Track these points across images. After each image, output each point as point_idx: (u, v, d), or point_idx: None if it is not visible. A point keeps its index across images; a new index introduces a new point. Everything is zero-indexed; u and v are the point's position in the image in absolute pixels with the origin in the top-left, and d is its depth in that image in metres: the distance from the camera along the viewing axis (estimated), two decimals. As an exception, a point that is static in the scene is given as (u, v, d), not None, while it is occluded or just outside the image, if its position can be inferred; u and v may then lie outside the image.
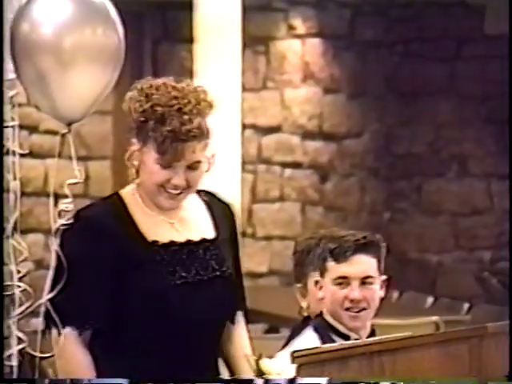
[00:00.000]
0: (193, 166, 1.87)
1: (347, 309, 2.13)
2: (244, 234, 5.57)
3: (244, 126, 5.42)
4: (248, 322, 1.98)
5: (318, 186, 6.05)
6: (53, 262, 1.81)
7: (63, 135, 1.79)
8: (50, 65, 1.73)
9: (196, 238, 1.92)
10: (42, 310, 1.80)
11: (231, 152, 4.92)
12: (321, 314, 2.17)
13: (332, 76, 5.97)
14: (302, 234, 2.53)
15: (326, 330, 2.13)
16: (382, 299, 2.19)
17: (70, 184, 1.81)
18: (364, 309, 2.13)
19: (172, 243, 1.88)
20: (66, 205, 1.82)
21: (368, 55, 5.99)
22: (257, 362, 1.82)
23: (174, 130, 1.82)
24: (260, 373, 1.81)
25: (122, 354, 1.84)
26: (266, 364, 1.81)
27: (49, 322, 1.83)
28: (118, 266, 1.84)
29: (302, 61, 5.90)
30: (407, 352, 1.83)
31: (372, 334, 2.16)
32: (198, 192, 1.97)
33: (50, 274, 1.81)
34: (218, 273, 1.90)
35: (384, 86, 6.04)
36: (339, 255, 2.13)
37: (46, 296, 1.80)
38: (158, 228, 1.89)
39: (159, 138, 1.82)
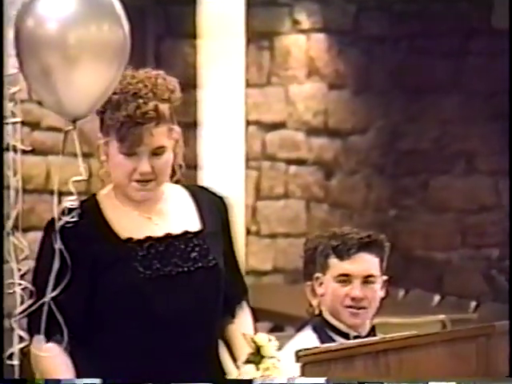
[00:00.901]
0: (157, 152, 1.87)
1: (347, 307, 2.13)
2: (248, 232, 5.56)
3: (248, 123, 5.41)
4: (256, 319, 1.98)
5: (323, 183, 6.04)
6: (56, 261, 1.81)
7: (67, 132, 1.79)
8: (55, 61, 1.73)
9: (177, 230, 1.91)
10: (45, 309, 1.80)
11: (235, 149, 4.92)
12: (320, 314, 2.17)
13: (337, 71, 5.96)
14: (306, 232, 2.54)
15: (324, 329, 2.14)
16: (382, 299, 2.20)
17: (74, 181, 1.80)
18: (364, 308, 2.14)
19: (148, 238, 1.87)
20: (71, 202, 1.82)
21: (373, 51, 5.98)
22: (252, 338, 1.83)
23: (129, 114, 1.83)
24: (256, 348, 1.82)
25: (102, 355, 1.82)
26: (261, 338, 1.83)
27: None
28: (89, 270, 1.83)
29: (307, 56, 5.89)
30: (413, 351, 1.83)
31: (372, 331, 2.16)
32: (187, 186, 1.97)
33: (53, 272, 1.81)
34: (200, 264, 1.88)
35: (389, 82, 6.02)
36: (342, 252, 2.14)
37: (49, 294, 1.80)
38: (133, 224, 1.88)
39: (117, 124, 1.84)
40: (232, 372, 1.90)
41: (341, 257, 2.14)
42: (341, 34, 5.92)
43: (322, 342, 2.10)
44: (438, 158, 6.03)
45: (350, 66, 5.97)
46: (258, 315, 2.01)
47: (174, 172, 1.93)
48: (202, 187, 2.02)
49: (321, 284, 2.16)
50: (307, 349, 1.79)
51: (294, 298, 2.29)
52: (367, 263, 2.15)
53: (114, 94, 1.83)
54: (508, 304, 2.94)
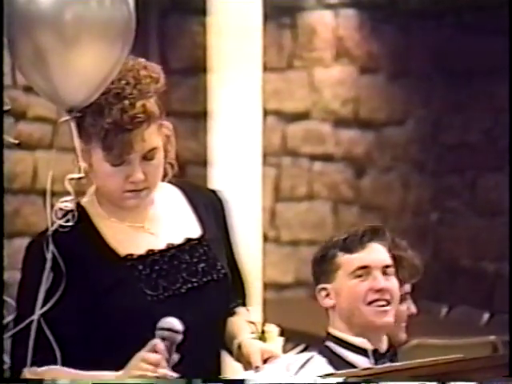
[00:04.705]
0: (148, 156, 1.87)
1: (372, 302, 2.14)
2: (266, 239, 5.58)
3: (266, 112, 5.42)
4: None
5: (353, 182, 6.04)
6: (46, 272, 1.83)
7: (62, 123, 1.80)
8: (49, 41, 1.74)
9: (178, 240, 1.93)
10: (34, 326, 1.82)
11: (250, 142, 4.93)
12: (328, 334, 2.18)
13: (370, 53, 5.96)
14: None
15: (333, 351, 2.15)
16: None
17: (71, 179, 1.82)
18: (389, 302, 2.16)
19: (150, 252, 1.89)
20: (66, 203, 1.83)
21: (412, 28, 5.97)
22: (258, 325, 1.90)
23: (114, 120, 1.82)
24: (261, 334, 1.88)
25: None
26: (270, 328, 1.86)
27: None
28: (87, 293, 1.85)
29: (335, 35, 5.90)
30: (459, 378, 1.83)
31: (391, 346, 2.17)
32: (177, 183, 1.98)
33: (43, 285, 1.83)
34: (209, 277, 1.92)
35: (432, 65, 6.01)
36: (354, 243, 2.16)
37: (38, 311, 1.82)
38: (129, 238, 1.90)
39: (101, 132, 1.83)
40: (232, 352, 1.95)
41: (353, 249, 2.16)
42: (374, 8, 5.92)
43: (334, 366, 2.11)
44: (488, 153, 6.01)
45: (386, 46, 5.96)
46: (281, 336, 2.02)
47: (164, 172, 1.94)
48: (192, 184, 2.04)
49: (327, 295, 2.18)
50: (329, 374, 1.81)
51: (319, 315, 2.30)
52: (382, 252, 2.18)
53: None
54: (508, 310, 2.97)
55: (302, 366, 2.10)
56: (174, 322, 1.80)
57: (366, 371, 1.87)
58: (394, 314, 2.16)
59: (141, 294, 1.86)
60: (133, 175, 1.86)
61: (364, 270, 2.15)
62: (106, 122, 1.83)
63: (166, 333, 1.79)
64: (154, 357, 1.77)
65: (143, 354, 1.78)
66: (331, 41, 5.90)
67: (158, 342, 1.78)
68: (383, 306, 2.14)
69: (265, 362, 1.89)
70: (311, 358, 2.13)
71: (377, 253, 2.17)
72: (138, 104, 1.84)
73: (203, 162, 4.93)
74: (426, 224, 6.03)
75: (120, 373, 1.80)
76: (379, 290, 2.13)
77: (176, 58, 5.32)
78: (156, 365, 1.77)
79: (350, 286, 2.15)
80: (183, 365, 1.84)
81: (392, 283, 2.17)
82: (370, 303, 2.14)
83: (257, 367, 1.87)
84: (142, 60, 1.90)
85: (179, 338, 1.80)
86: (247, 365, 1.91)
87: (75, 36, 1.73)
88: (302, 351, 2.16)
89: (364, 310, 2.14)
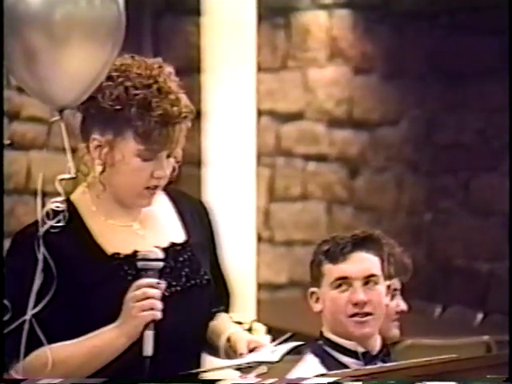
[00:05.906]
0: (171, 153, 1.88)
1: (351, 315, 2.14)
2: (260, 239, 5.58)
3: (260, 113, 5.42)
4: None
5: (347, 182, 6.04)
6: (39, 272, 1.82)
7: (52, 123, 1.80)
8: (39, 41, 1.74)
9: (163, 243, 1.93)
10: (26, 327, 1.82)
11: (245, 143, 4.92)
12: (321, 335, 2.18)
13: (364, 53, 5.96)
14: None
15: (327, 351, 2.15)
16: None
17: (61, 180, 1.81)
18: (370, 314, 2.14)
19: (136, 253, 1.89)
20: (57, 204, 1.83)
21: (406, 29, 5.97)
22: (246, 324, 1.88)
23: (165, 113, 1.82)
24: (249, 331, 1.87)
25: None
26: (258, 327, 1.87)
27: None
28: (73, 290, 1.85)
29: (329, 36, 5.90)
30: (453, 378, 1.82)
31: (384, 347, 2.16)
32: (165, 189, 1.98)
33: (35, 285, 1.83)
34: (193, 281, 1.92)
35: (425, 65, 6.02)
36: (335, 253, 2.16)
37: (30, 311, 1.82)
38: (117, 236, 1.90)
39: (144, 125, 1.82)
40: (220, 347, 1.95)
41: (335, 259, 2.15)
42: (368, 9, 5.92)
43: (326, 366, 2.11)
44: (482, 154, 6.01)
45: (379, 46, 5.96)
46: (271, 335, 2.02)
47: None
48: (179, 191, 2.04)
49: (317, 300, 2.18)
50: (322, 374, 1.82)
51: (313, 315, 2.30)
52: (366, 262, 2.16)
53: (135, 88, 1.82)
54: (508, 310, 2.97)
55: (288, 353, 2.10)
56: (156, 251, 1.79)
57: (360, 371, 1.87)
58: (378, 323, 2.15)
59: (125, 294, 1.85)
60: (159, 171, 1.86)
61: (344, 281, 2.14)
62: (156, 114, 1.82)
63: (153, 263, 1.79)
64: (147, 291, 1.76)
65: (135, 294, 1.77)
66: (325, 41, 5.90)
67: (149, 280, 1.77)
68: (362, 316, 2.13)
69: (251, 351, 1.89)
70: (296, 346, 2.12)
71: (359, 263, 2.15)
72: (182, 97, 1.85)
73: (197, 163, 4.92)
74: (419, 224, 6.03)
75: (116, 325, 1.78)
76: (358, 303, 2.13)
77: (170, 58, 5.31)
78: (153, 297, 1.77)
79: (330, 296, 2.15)
80: (163, 366, 1.85)
81: (375, 293, 2.15)
82: (350, 316, 2.13)
83: (241, 354, 1.87)
84: (159, 59, 1.90)
85: (161, 264, 1.80)
86: (234, 354, 1.91)
87: (65, 36, 1.73)
88: (286, 340, 2.14)
89: (344, 321, 2.13)
